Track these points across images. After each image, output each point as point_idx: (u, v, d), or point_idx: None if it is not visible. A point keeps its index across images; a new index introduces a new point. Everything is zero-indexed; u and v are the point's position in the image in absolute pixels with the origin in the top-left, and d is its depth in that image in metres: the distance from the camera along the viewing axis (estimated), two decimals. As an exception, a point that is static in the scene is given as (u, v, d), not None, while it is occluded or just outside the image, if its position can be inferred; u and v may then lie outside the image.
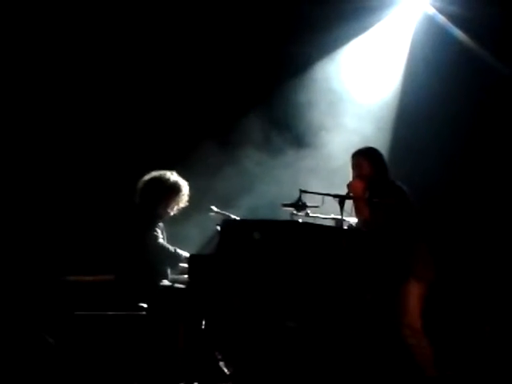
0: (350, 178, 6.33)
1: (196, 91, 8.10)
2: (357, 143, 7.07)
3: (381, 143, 7.52)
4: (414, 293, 5.96)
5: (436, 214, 7.51)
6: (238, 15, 8.00)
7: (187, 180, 6.55)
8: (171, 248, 6.31)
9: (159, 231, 6.31)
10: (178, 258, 6.30)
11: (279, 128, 7.99)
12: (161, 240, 6.28)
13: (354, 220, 6.40)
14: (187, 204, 6.53)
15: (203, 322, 5.99)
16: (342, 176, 6.47)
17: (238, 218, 6.30)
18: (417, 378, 5.90)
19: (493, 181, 7.84)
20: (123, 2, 7.88)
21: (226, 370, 6.04)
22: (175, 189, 6.45)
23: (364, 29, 8.21)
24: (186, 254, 6.28)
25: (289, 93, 8.09)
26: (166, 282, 6.27)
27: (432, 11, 8.14)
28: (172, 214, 6.52)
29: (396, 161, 7.05)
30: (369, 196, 6.16)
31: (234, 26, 8.02)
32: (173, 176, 6.48)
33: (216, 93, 8.12)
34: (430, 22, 8.12)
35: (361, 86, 8.17)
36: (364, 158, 6.31)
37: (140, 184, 6.47)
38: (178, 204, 6.49)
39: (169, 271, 6.35)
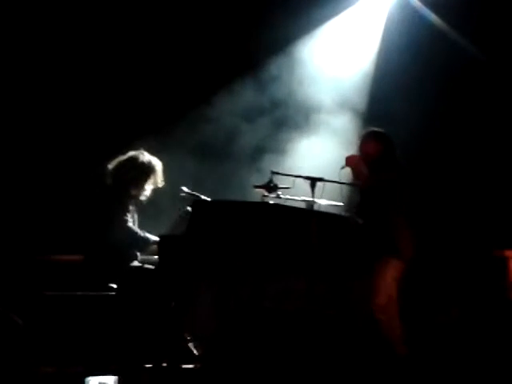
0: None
1: (157, 81, 8.04)
2: (331, 125, 7.14)
3: (354, 126, 7.58)
4: (390, 273, 6.02)
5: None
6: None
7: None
8: (140, 232, 6.26)
9: (129, 215, 6.26)
10: (146, 241, 6.25)
11: (256, 106, 7.96)
12: (130, 224, 6.23)
13: (325, 202, 6.41)
14: (162, 184, 6.46)
15: (173, 303, 5.98)
16: (315, 156, 6.48)
17: (208, 199, 6.28)
18: (387, 355, 5.94)
19: (464, 159, 7.90)
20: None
21: (194, 351, 6.05)
22: (147, 168, 6.38)
23: (338, 12, 8.19)
24: (155, 238, 6.24)
25: (264, 72, 8.05)
26: (135, 263, 6.24)
27: (406, -6, 8.15)
28: (147, 194, 6.44)
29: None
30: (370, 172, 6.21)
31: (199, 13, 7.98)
32: (144, 156, 6.41)
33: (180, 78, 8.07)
34: (404, 4, 8.12)
35: (334, 68, 8.15)
36: (372, 139, 6.40)
37: (112, 165, 6.41)
38: (152, 184, 6.42)
39: (138, 253, 6.31)
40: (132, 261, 6.22)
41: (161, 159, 6.53)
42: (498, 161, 7.86)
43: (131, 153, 6.44)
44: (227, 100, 7.92)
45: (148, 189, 6.43)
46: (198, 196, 6.35)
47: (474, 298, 7.22)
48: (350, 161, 6.29)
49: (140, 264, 6.24)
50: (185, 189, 6.43)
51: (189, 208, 6.10)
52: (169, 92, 8.03)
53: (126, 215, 6.21)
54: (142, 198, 6.43)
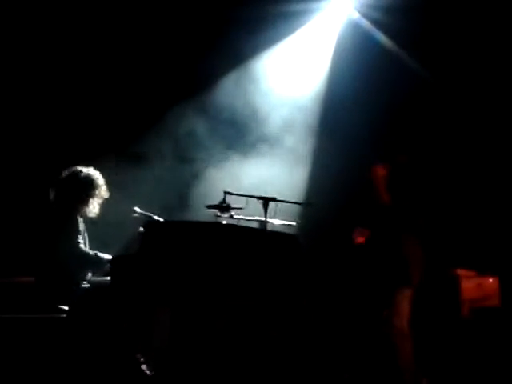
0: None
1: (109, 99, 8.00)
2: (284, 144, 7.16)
3: (305, 144, 7.65)
4: (406, 299, 5.98)
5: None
6: (159, 18, 7.94)
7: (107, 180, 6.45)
8: (92, 252, 6.21)
9: (80, 236, 6.20)
10: (98, 262, 6.20)
11: (208, 126, 7.98)
12: (81, 245, 6.17)
13: (277, 222, 6.45)
14: (108, 195, 6.40)
15: (126, 324, 5.94)
16: (269, 176, 6.50)
17: (161, 219, 6.26)
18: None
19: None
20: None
21: (147, 373, 6.00)
22: (89, 182, 6.31)
23: (290, 32, 8.26)
24: (107, 257, 6.20)
25: (216, 89, 8.10)
26: (87, 284, 6.19)
27: (356, 16, 8.26)
28: (96, 210, 6.38)
29: (320, 159, 7.11)
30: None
31: (154, 28, 7.97)
32: (83, 171, 6.33)
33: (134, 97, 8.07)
34: (355, 26, 8.24)
35: (286, 87, 8.22)
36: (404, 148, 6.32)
37: (55, 182, 6.34)
38: (98, 198, 6.35)
39: (89, 274, 6.26)
40: (83, 282, 6.16)
41: (114, 177, 6.50)
42: (448, 180, 7.96)
43: (70, 169, 6.36)
44: (179, 117, 7.93)
45: (95, 204, 6.36)
46: (150, 216, 6.33)
47: (427, 315, 7.29)
48: (375, 172, 6.18)
49: (92, 285, 6.18)
50: (137, 209, 6.41)
51: (142, 228, 6.07)
52: (123, 109, 8.00)
53: (77, 237, 6.15)
54: (91, 214, 6.36)
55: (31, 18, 7.75)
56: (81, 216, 6.29)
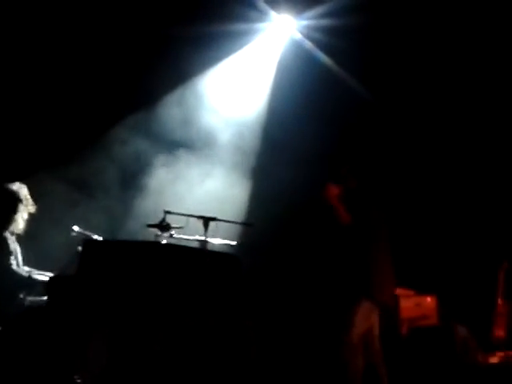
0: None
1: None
2: (224, 164, 7.13)
3: (247, 164, 7.67)
4: (362, 312, 5.98)
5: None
6: (100, 35, 7.89)
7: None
8: (24, 273, 6.09)
9: (12, 256, 6.08)
10: (31, 283, 6.08)
11: (149, 144, 7.93)
12: (14, 267, 6.04)
13: (218, 241, 6.43)
14: (34, 209, 6.27)
15: (63, 345, 5.84)
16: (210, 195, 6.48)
17: (100, 239, 6.20)
18: None
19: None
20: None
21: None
22: (13, 199, 6.17)
23: (233, 52, 8.30)
24: (43, 278, 6.08)
25: (159, 108, 8.07)
26: (23, 305, 6.08)
27: (299, 37, 8.33)
28: (21, 226, 6.23)
29: (262, 176, 7.10)
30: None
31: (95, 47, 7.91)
32: (5, 187, 6.18)
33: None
34: (297, 47, 8.32)
35: (230, 105, 8.24)
36: (352, 173, 6.27)
37: None
38: (24, 213, 6.21)
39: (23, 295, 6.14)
40: (16, 303, 6.04)
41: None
42: (386, 195, 8.06)
43: None
44: (121, 136, 7.88)
45: (21, 219, 6.21)
46: (89, 235, 6.25)
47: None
48: (328, 192, 6.11)
49: (28, 305, 6.08)
50: (76, 228, 6.32)
51: (80, 248, 5.99)
52: (61, 127, 7.88)
53: (9, 259, 6.03)
54: (17, 231, 6.21)
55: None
56: (11, 234, 6.17)
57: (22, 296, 6.09)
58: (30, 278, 6.06)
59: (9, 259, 6.01)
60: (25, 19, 7.68)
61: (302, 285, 7.25)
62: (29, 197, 6.24)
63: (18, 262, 6.12)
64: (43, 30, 7.70)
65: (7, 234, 6.14)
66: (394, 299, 6.35)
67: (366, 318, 6.02)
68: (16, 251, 6.14)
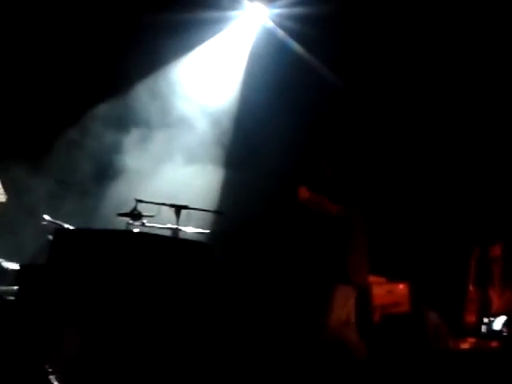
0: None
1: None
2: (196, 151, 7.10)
3: (218, 152, 7.65)
4: (341, 297, 5.98)
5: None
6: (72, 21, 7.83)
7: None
8: None
9: None
10: (1, 272, 6.04)
11: (122, 131, 7.89)
12: None
13: (190, 230, 6.42)
14: (4, 198, 6.21)
15: (34, 334, 5.81)
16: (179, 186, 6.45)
17: (71, 227, 6.16)
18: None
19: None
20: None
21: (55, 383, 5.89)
22: None
23: (205, 39, 8.29)
24: (13, 266, 6.05)
25: (126, 98, 8.03)
26: (-6, 294, 6.05)
27: (271, 25, 8.32)
28: None
29: (234, 165, 7.07)
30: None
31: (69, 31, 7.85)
32: None
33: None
34: (269, 35, 8.32)
35: (201, 93, 8.22)
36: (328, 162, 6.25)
37: None
38: None
39: None
40: None
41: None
42: (359, 181, 8.08)
43: None
44: (93, 125, 7.84)
45: None
46: (60, 224, 6.22)
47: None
48: (302, 195, 6.07)
49: (-1, 294, 6.05)
50: (47, 217, 6.29)
51: (50, 236, 5.95)
52: (35, 114, 7.83)
53: None
54: None
55: None
56: None
57: None
58: (0, 266, 6.03)
59: None
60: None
61: (274, 273, 7.24)
62: (0, 186, 6.19)
63: None
64: (13, 17, 7.64)
65: None
66: (368, 284, 6.37)
67: (344, 303, 6.05)
68: None
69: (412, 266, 7.56)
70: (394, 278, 7.34)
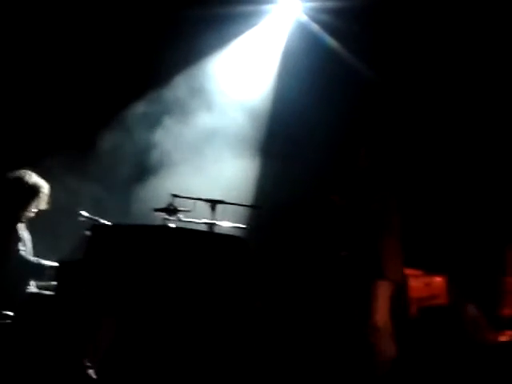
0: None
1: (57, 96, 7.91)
2: (230, 144, 7.13)
3: (254, 147, 7.67)
4: (382, 295, 5.99)
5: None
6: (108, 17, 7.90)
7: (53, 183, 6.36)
8: (33, 259, 6.11)
9: (20, 243, 6.09)
10: (39, 268, 6.11)
11: (158, 126, 7.95)
12: (22, 252, 6.07)
13: (226, 224, 6.45)
14: (46, 207, 6.30)
15: (72, 329, 5.89)
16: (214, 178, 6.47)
17: (108, 223, 6.22)
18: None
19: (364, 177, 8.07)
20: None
21: (93, 377, 5.96)
22: (34, 190, 6.18)
23: (238, 34, 8.29)
24: (50, 264, 6.11)
25: (159, 96, 8.09)
26: (32, 289, 6.13)
27: (305, 19, 8.30)
28: (31, 216, 6.24)
29: (269, 162, 7.07)
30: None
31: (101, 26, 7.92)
32: (31, 177, 6.22)
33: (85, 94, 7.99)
34: (303, 29, 8.29)
35: (236, 88, 8.24)
36: (364, 153, 6.27)
37: None
38: (37, 206, 6.22)
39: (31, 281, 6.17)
40: (25, 288, 6.08)
41: (59, 182, 6.42)
42: (394, 175, 8.06)
43: (16, 173, 6.23)
44: (130, 119, 7.91)
45: (33, 210, 6.22)
46: (97, 220, 6.28)
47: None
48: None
49: (37, 290, 6.12)
50: (84, 213, 6.35)
51: (88, 232, 6.01)
52: (75, 108, 7.93)
53: (17, 244, 6.06)
54: (28, 218, 6.23)
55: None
56: (21, 222, 6.20)
57: (31, 282, 6.14)
58: (39, 263, 6.10)
59: (17, 245, 6.05)
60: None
61: (310, 266, 7.24)
62: (47, 195, 6.26)
63: (27, 249, 6.15)
64: (56, 10, 7.72)
65: (19, 226, 6.18)
66: (403, 278, 6.34)
67: (386, 301, 6.02)
68: (25, 239, 6.18)
69: (449, 259, 7.51)
70: (431, 270, 7.30)
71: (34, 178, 6.24)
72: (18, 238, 6.08)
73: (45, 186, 6.26)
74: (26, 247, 6.13)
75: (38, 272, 6.10)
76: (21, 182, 6.19)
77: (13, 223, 6.12)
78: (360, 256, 6.12)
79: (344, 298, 6.35)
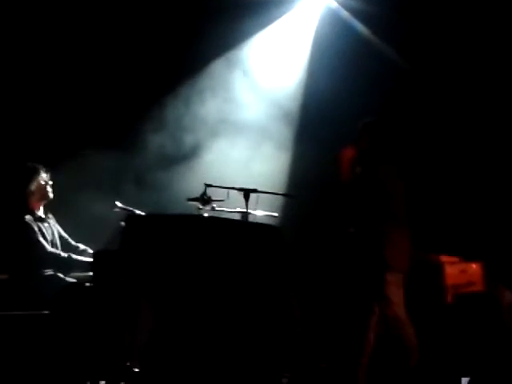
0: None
1: (88, 94, 7.93)
2: (262, 133, 7.11)
3: (286, 134, 7.64)
4: (393, 286, 5.81)
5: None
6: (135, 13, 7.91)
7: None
8: (63, 254, 6.18)
9: (40, 238, 6.14)
10: (69, 262, 6.16)
11: (190, 115, 7.97)
12: (48, 248, 6.13)
13: (260, 213, 6.44)
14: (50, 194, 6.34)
15: (110, 319, 5.91)
16: (247, 170, 6.46)
17: (142, 213, 6.24)
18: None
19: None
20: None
21: (133, 369, 5.98)
22: (29, 171, 6.25)
23: (269, 22, 8.27)
24: (82, 258, 6.17)
25: (192, 85, 8.08)
26: (70, 280, 6.18)
27: (335, 5, 8.26)
28: (38, 203, 6.30)
29: (301, 149, 7.03)
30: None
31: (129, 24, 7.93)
32: (26, 164, 6.32)
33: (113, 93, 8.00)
34: (333, 15, 8.25)
35: (267, 77, 8.22)
36: (366, 132, 6.04)
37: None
38: (39, 190, 6.27)
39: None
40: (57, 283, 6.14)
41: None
42: (430, 167, 7.99)
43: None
44: (162, 110, 7.93)
45: (35, 196, 6.27)
46: (131, 210, 6.30)
47: (411, 302, 7.29)
48: (343, 154, 5.94)
49: (75, 280, 6.17)
50: (119, 203, 6.38)
51: (123, 223, 6.04)
52: (108, 102, 7.95)
53: (39, 241, 6.11)
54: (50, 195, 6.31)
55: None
56: (34, 219, 6.23)
57: (61, 275, 6.19)
58: (69, 257, 6.15)
59: (39, 241, 6.11)
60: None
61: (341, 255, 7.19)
62: (45, 181, 6.30)
63: (52, 240, 6.21)
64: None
65: (29, 219, 6.21)
66: (410, 265, 6.12)
67: (398, 290, 5.91)
68: (43, 233, 6.22)
69: (486, 245, 7.44)
70: (467, 257, 7.24)
71: (28, 164, 6.28)
72: (35, 234, 6.13)
73: (40, 168, 6.28)
74: (46, 241, 6.18)
75: (68, 265, 6.14)
76: (17, 169, 6.27)
77: (24, 215, 6.16)
78: (365, 242, 5.95)
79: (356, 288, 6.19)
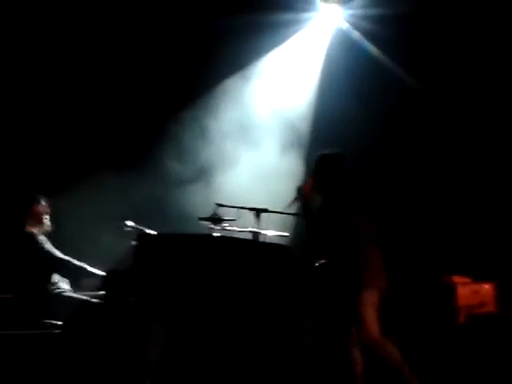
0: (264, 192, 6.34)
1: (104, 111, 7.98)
2: (274, 155, 7.12)
3: (297, 154, 7.65)
4: (369, 304, 5.80)
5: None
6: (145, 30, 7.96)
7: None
8: (76, 261, 6.25)
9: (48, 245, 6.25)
10: (81, 270, 6.22)
11: (200, 138, 7.99)
12: (59, 255, 6.23)
13: (270, 233, 6.44)
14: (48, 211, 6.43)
15: (121, 338, 5.90)
16: (258, 190, 6.47)
17: (154, 233, 6.25)
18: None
19: (406, 185, 8.01)
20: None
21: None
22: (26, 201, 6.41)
23: (280, 42, 8.31)
24: (93, 270, 6.20)
25: (202, 106, 8.11)
26: (83, 297, 6.19)
27: (346, 26, 8.30)
28: (48, 224, 6.42)
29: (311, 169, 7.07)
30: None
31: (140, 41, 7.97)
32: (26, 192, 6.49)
33: (126, 110, 8.04)
34: (344, 36, 8.28)
35: (276, 98, 8.24)
36: (323, 166, 6.15)
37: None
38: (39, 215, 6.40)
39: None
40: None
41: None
42: (441, 185, 7.99)
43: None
44: (175, 130, 7.96)
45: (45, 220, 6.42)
46: (142, 229, 6.31)
47: (423, 322, 7.26)
48: (304, 190, 6.07)
49: (87, 298, 6.18)
50: (129, 223, 6.39)
51: (134, 242, 6.04)
52: (122, 118, 8.01)
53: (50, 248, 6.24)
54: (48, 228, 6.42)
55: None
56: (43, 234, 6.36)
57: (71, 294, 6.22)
58: (82, 266, 6.20)
59: (49, 249, 6.19)
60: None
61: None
62: (42, 212, 6.42)
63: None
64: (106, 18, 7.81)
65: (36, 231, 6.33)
66: (386, 284, 6.10)
67: (375, 309, 5.88)
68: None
69: (498, 266, 7.41)
70: (479, 278, 7.21)
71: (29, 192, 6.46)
72: (40, 239, 6.27)
73: (39, 198, 6.43)
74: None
75: (71, 269, 6.24)
76: (17, 195, 6.49)
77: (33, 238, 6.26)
78: (339, 265, 5.97)
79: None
